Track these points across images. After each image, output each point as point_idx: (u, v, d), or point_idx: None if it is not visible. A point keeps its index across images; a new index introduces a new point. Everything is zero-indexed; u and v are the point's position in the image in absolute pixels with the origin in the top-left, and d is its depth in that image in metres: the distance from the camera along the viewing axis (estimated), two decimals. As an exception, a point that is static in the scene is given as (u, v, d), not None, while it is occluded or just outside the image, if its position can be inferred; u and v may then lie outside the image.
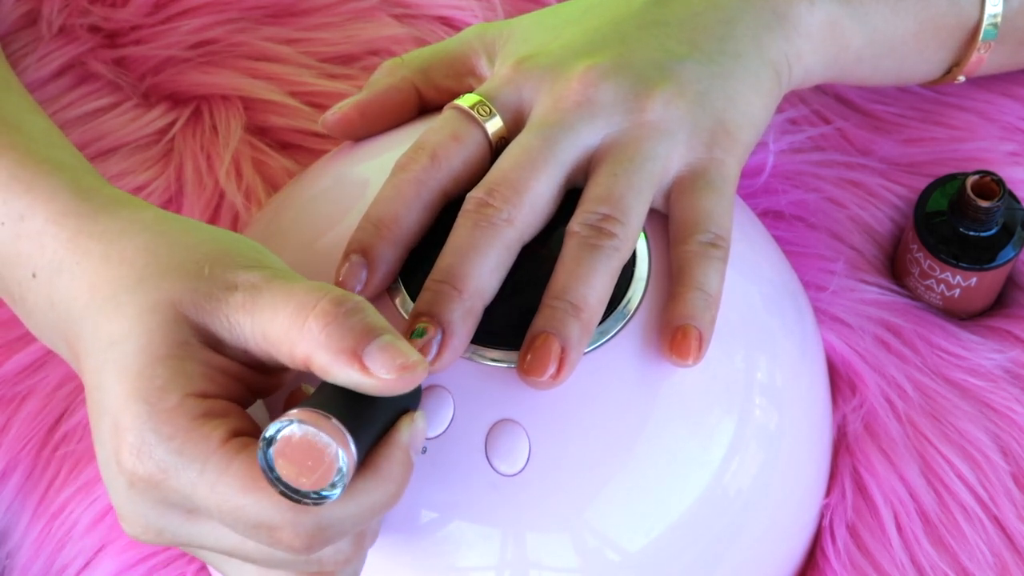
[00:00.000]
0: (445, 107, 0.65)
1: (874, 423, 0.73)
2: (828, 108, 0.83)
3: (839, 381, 0.74)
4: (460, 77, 0.69)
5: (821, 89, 0.83)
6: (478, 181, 0.62)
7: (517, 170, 0.61)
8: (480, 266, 0.60)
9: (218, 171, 0.80)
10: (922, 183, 0.79)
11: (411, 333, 0.58)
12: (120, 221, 0.59)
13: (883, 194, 0.80)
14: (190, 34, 0.84)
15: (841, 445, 0.73)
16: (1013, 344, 0.76)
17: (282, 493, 0.52)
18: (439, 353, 0.58)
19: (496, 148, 0.64)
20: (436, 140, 0.63)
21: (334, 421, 0.52)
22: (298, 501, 0.52)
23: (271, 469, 0.52)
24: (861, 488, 0.72)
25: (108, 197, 0.61)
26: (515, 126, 0.65)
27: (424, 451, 0.59)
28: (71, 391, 0.75)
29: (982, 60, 0.74)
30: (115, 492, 0.56)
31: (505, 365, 0.60)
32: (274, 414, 0.60)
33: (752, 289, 0.67)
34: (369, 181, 0.65)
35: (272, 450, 0.52)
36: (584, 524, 0.61)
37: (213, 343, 0.56)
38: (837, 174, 0.80)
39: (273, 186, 0.80)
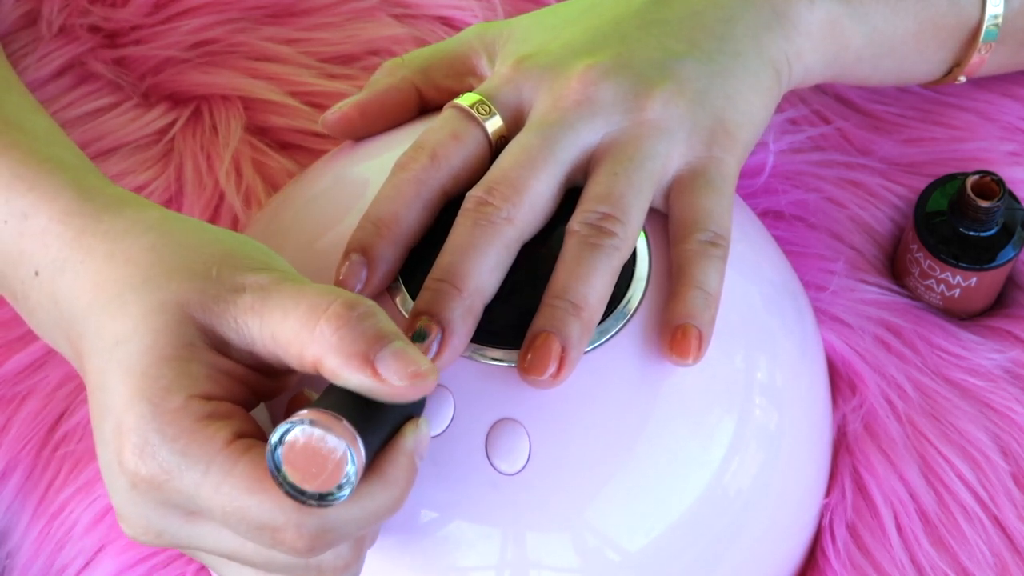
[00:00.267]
0: (445, 106, 0.65)
1: (874, 423, 0.73)
2: (828, 108, 0.83)
3: (839, 381, 0.74)
4: (460, 77, 0.69)
5: (821, 89, 0.83)
6: (478, 180, 0.62)
7: (517, 169, 0.61)
8: (480, 264, 0.60)
9: (218, 171, 0.80)
10: (922, 183, 0.79)
11: (411, 335, 0.58)
12: (124, 220, 0.59)
13: (883, 194, 0.80)
14: (190, 34, 0.84)
15: (841, 445, 0.73)
16: (1013, 344, 0.76)
17: (289, 494, 0.52)
18: (439, 352, 0.58)
19: (496, 147, 0.64)
20: (436, 139, 0.63)
21: (345, 423, 0.52)
22: (305, 502, 0.52)
23: (279, 470, 0.52)
24: (861, 488, 0.72)
25: (112, 196, 0.60)
26: (515, 125, 0.65)
27: None
28: (71, 391, 0.75)
29: (983, 61, 0.74)
30: (116, 493, 0.56)
31: (505, 364, 0.60)
32: (276, 418, 0.60)
33: (752, 289, 0.67)
34: (369, 181, 0.65)
35: (280, 451, 0.52)
36: (584, 523, 0.61)
37: (219, 345, 0.56)
38: (837, 174, 0.80)
39: (273, 186, 0.80)
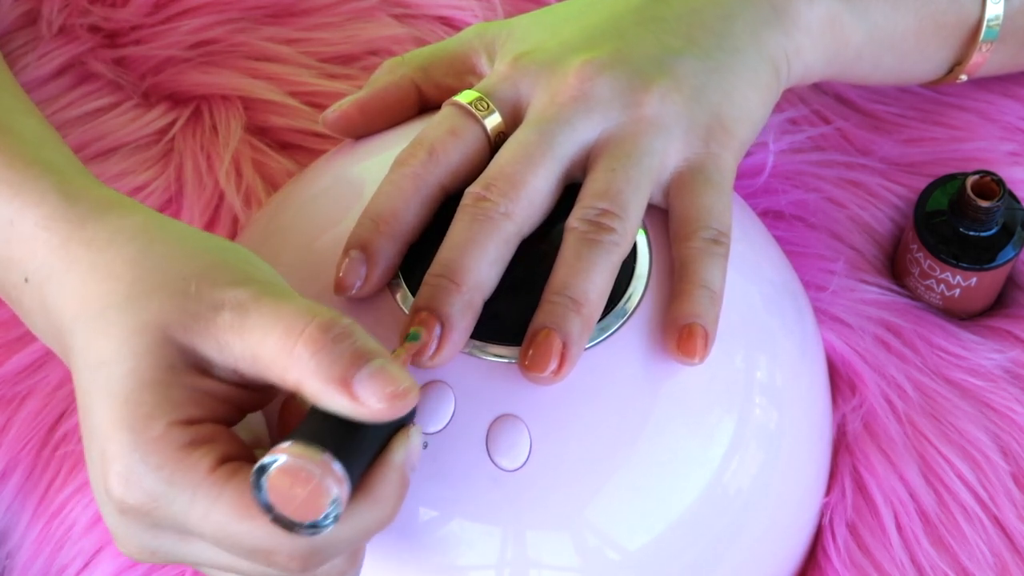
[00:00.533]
0: (444, 104, 0.65)
1: (874, 423, 0.73)
2: (828, 108, 0.83)
3: (839, 381, 0.74)
4: (460, 75, 0.69)
5: (821, 89, 0.83)
6: (477, 177, 0.62)
7: (514, 165, 0.62)
8: (478, 260, 0.60)
9: (218, 171, 0.80)
10: (922, 183, 0.79)
11: (405, 336, 0.58)
12: (108, 228, 0.58)
13: (883, 194, 0.80)
14: (190, 34, 0.84)
15: (841, 445, 0.73)
16: (1013, 344, 0.76)
17: (276, 522, 0.52)
18: (439, 347, 0.58)
19: (495, 144, 0.65)
20: (434, 136, 0.63)
21: (327, 455, 0.51)
22: (292, 531, 0.52)
23: (264, 500, 0.52)
24: (861, 488, 0.72)
25: (96, 200, 0.60)
26: (513, 122, 0.65)
27: (425, 446, 0.59)
28: (71, 391, 0.74)
29: (984, 60, 0.74)
30: (107, 516, 0.56)
31: (506, 361, 0.60)
32: (271, 420, 0.60)
33: (752, 289, 0.67)
34: (369, 179, 0.65)
35: (265, 482, 0.52)
36: (584, 521, 0.61)
37: (202, 364, 0.55)
38: (837, 174, 0.80)
39: (273, 186, 0.80)
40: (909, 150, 0.81)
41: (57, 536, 0.72)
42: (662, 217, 0.64)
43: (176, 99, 0.83)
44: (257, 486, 0.52)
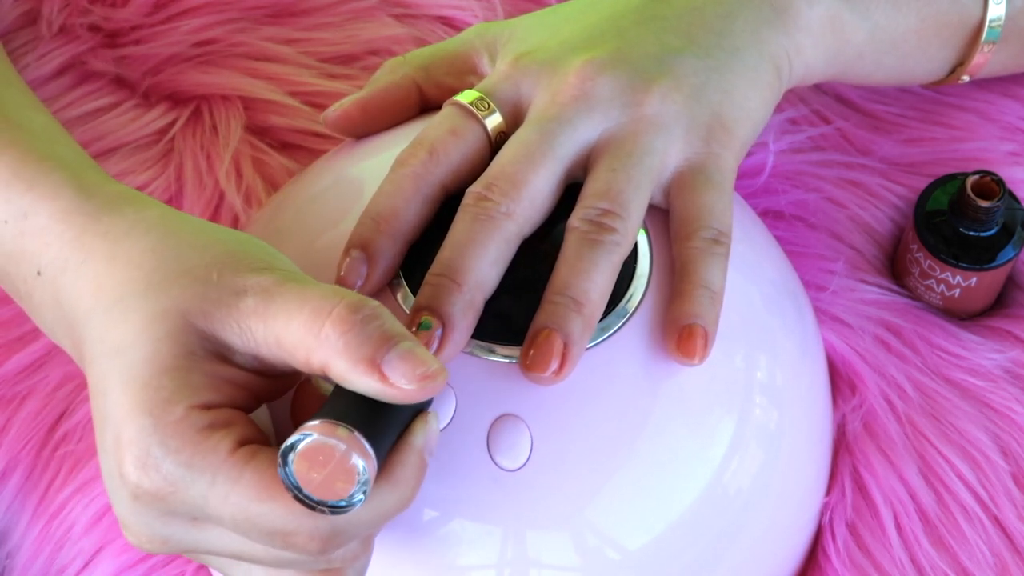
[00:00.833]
0: (445, 103, 0.65)
1: (874, 423, 0.73)
2: (828, 108, 0.83)
3: (839, 381, 0.74)
4: (461, 75, 0.69)
5: (821, 89, 0.83)
6: (478, 177, 0.62)
7: (515, 164, 0.62)
8: (479, 259, 0.60)
9: (218, 171, 0.80)
10: (922, 183, 0.79)
11: (416, 326, 0.58)
12: (125, 220, 0.59)
13: (883, 194, 0.80)
14: (190, 34, 0.84)
15: (841, 445, 0.73)
16: (1013, 344, 0.76)
17: (302, 503, 0.52)
18: (440, 347, 0.58)
19: (496, 143, 0.65)
20: (435, 135, 0.64)
21: (356, 434, 0.52)
22: (319, 510, 0.52)
23: (291, 480, 0.52)
24: (861, 488, 0.72)
25: (112, 194, 0.60)
26: (514, 121, 0.65)
27: None
28: (71, 391, 0.74)
29: (986, 60, 0.74)
30: (118, 503, 0.56)
31: (507, 360, 0.60)
32: (278, 414, 0.60)
33: (752, 289, 0.67)
34: (369, 179, 0.65)
35: (292, 461, 0.52)
36: (585, 521, 0.61)
37: (223, 350, 0.55)
38: (837, 174, 0.80)
39: (273, 186, 0.80)
40: (909, 150, 0.81)
41: (57, 536, 0.72)
42: (663, 217, 0.64)
43: (176, 99, 0.83)
44: (284, 466, 0.52)
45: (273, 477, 0.53)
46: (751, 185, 0.79)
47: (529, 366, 0.59)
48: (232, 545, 0.55)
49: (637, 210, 0.62)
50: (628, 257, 0.62)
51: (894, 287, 0.77)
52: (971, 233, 0.73)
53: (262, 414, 0.60)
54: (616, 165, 0.62)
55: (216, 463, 0.53)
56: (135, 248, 0.57)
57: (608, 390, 0.61)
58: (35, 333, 0.75)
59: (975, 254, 0.74)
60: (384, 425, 0.53)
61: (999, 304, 0.78)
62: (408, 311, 0.60)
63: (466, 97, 0.65)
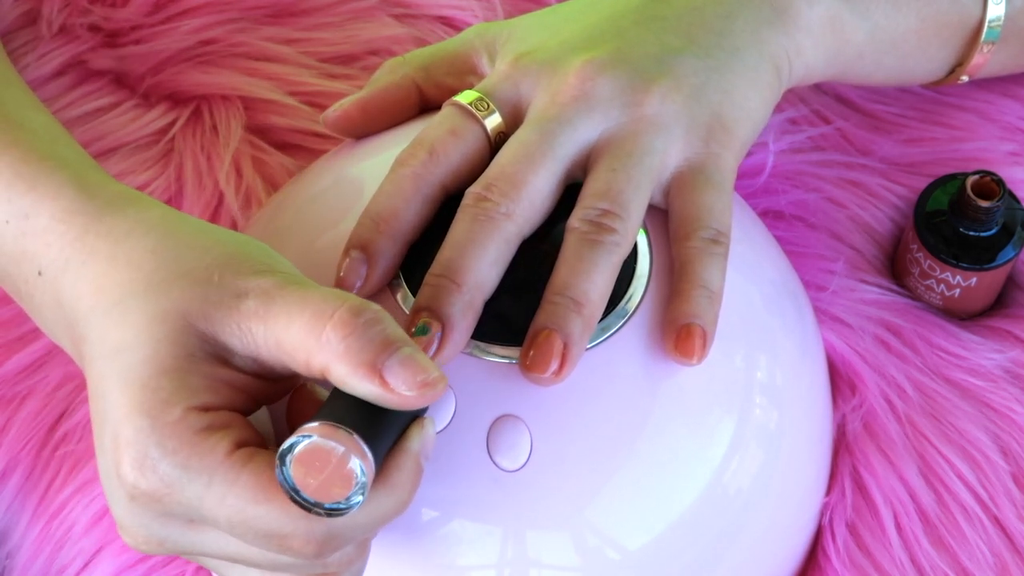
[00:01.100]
0: (444, 104, 0.65)
1: (874, 423, 0.73)
2: (828, 108, 0.83)
3: (839, 381, 0.74)
4: (461, 75, 0.69)
5: (821, 89, 0.83)
6: (478, 177, 0.62)
7: (515, 165, 0.62)
8: (479, 259, 0.60)
9: (218, 171, 0.80)
10: (922, 183, 0.79)
11: (413, 329, 0.58)
12: (127, 220, 0.59)
13: (883, 194, 0.80)
14: (190, 34, 0.84)
15: (841, 445, 0.73)
16: (1013, 344, 0.76)
17: (300, 505, 0.52)
18: (440, 347, 0.58)
19: (495, 144, 0.65)
20: (435, 136, 0.63)
21: (355, 437, 0.52)
22: (316, 512, 0.52)
23: (289, 482, 0.52)
24: (861, 488, 0.72)
25: (113, 194, 0.60)
26: (514, 122, 0.65)
27: None
28: (71, 391, 0.74)
29: (985, 60, 0.74)
30: (115, 503, 0.56)
31: (507, 361, 0.60)
32: (277, 417, 0.60)
33: (752, 289, 0.67)
34: (369, 179, 0.65)
35: (290, 463, 0.52)
36: (585, 521, 0.61)
37: (222, 352, 0.55)
38: (837, 174, 0.80)
39: (273, 186, 0.80)
40: (909, 150, 0.81)
41: (57, 536, 0.72)
42: (662, 217, 0.64)
43: (176, 99, 0.83)
44: (282, 467, 0.52)
45: (270, 479, 0.53)
46: (751, 185, 0.79)
47: (529, 366, 0.59)
48: (228, 547, 0.55)
49: (637, 211, 0.62)
50: (628, 257, 0.62)
51: (894, 287, 0.77)
52: (971, 233, 0.73)
53: (261, 416, 0.60)
54: (616, 165, 0.62)
55: (213, 464, 0.53)
56: (136, 249, 0.57)
57: (608, 390, 0.61)
58: (35, 333, 0.75)
59: (975, 254, 0.74)
60: (382, 429, 0.53)
61: (999, 304, 0.78)
62: (408, 311, 0.60)
63: (466, 97, 0.65)
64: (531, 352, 0.59)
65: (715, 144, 0.65)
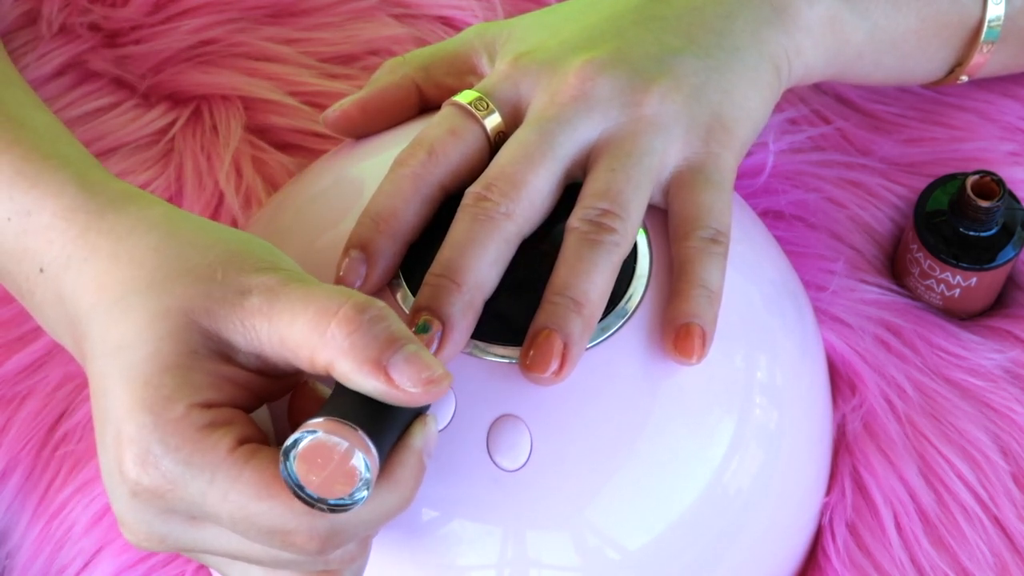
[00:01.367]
0: (444, 104, 0.65)
1: (874, 423, 0.73)
2: (828, 108, 0.83)
3: (839, 381, 0.74)
4: (461, 75, 0.69)
5: (821, 89, 0.83)
6: (477, 177, 0.62)
7: (515, 165, 0.62)
8: (479, 259, 0.60)
9: (218, 171, 0.80)
10: (922, 183, 0.79)
11: (413, 328, 0.58)
12: (129, 218, 0.59)
13: (883, 194, 0.80)
14: (190, 34, 0.84)
15: (841, 445, 0.73)
16: (1013, 344, 0.76)
17: (304, 501, 0.52)
18: (440, 347, 0.58)
19: (495, 144, 0.65)
20: (434, 135, 0.64)
21: (360, 432, 0.52)
22: (319, 508, 0.52)
23: (293, 477, 0.52)
24: (861, 488, 0.72)
25: (116, 192, 0.60)
26: (513, 122, 0.65)
27: None
28: (71, 391, 0.74)
29: (985, 60, 0.74)
30: (117, 500, 0.56)
31: (507, 361, 0.60)
32: (277, 414, 0.60)
33: (752, 289, 0.67)
34: (369, 179, 0.65)
35: (294, 459, 0.52)
36: (585, 521, 0.61)
37: (225, 349, 0.55)
38: (837, 174, 0.80)
39: (273, 186, 0.80)
40: (909, 150, 0.81)
41: (57, 536, 0.72)
42: (662, 217, 0.64)
43: (176, 99, 0.83)
44: (286, 463, 0.52)
45: (273, 476, 0.53)
46: (751, 185, 0.79)
47: (529, 366, 0.59)
48: (230, 545, 0.55)
49: (637, 210, 0.62)
50: (628, 257, 0.62)
51: (894, 287, 0.77)
52: (971, 233, 0.73)
53: (261, 414, 0.60)
54: (615, 165, 0.62)
55: (215, 461, 0.53)
56: (138, 246, 0.57)
57: (608, 390, 0.61)
58: (35, 333, 0.75)
59: (975, 254, 0.74)
60: (385, 426, 0.53)
61: (999, 304, 0.78)
62: (408, 311, 0.60)
63: (465, 97, 0.65)
64: (531, 352, 0.59)
65: (715, 144, 0.65)
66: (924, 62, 0.74)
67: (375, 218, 0.62)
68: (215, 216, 0.79)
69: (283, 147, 0.82)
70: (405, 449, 0.55)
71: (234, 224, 0.78)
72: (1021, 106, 0.81)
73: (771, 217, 0.78)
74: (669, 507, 0.62)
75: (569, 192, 0.63)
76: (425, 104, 0.70)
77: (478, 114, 0.64)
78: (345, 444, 0.52)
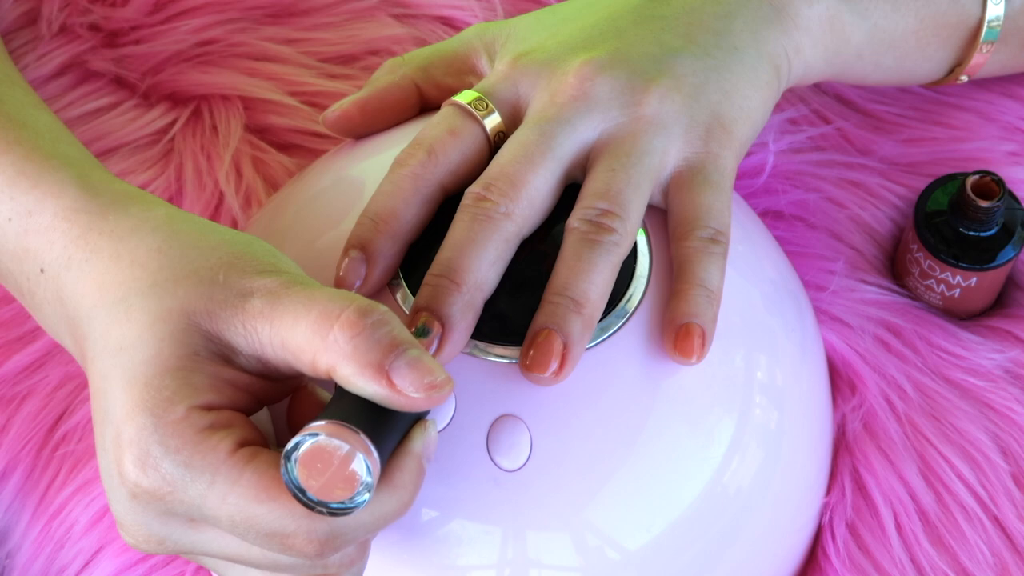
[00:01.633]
0: (443, 104, 0.65)
1: (874, 423, 0.73)
2: (828, 108, 0.83)
3: (839, 381, 0.74)
4: (461, 75, 0.69)
5: (821, 89, 0.83)
6: (477, 177, 0.62)
7: (514, 164, 0.62)
8: (478, 259, 0.60)
9: (218, 171, 0.80)
10: (922, 183, 0.79)
11: (412, 331, 0.58)
12: (131, 219, 0.59)
13: (883, 194, 0.80)
14: (190, 34, 0.84)
15: (841, 445, 0.73)
16: (1013, 344, 0.76)
17: (304, 504, 0.52)
18: (439, 348, 0.59)
19: (495, 144, 0.65)
20: (434, 135, 0.64)
21: (361, 436, 0.52)
22: (319, 511, 0.52)
23: (294, 480, 0.52)
24: (861, 488, 0.72)
25: (117, 192, 0.60)
26: (513, 122, 0.65)
27: None
28: (71, 391, 0.75)
29: (984, 60, 0.74)
30: (116, 502, 0.56)
31: (507, 361, 0.60)
32: (277, 417, 0.60)
33: (752, 289, 0.67)
34: (369, 179, 0.65)
35: (295, 461, 0.52)
36: (585, 521, 0.61)
37: (226, 352, 0.55)
38: (837, 174, 0.80)
39: (273, 186, 0.80)
40: (909, 150, 0.81)
41: (57, 536, 0.72)
42: (662, 217, 0.64)
43: (176, 99, 0.83)
44: (287, 466, 0.52)
45: (273, 478, 0.53)
46: (751, 185, 0.79)
47: (529, 366, 0.59)
48: (229, 547, 0.55)
49: (636, 210, 0.62)
50: (628, 257, 0.62)
51: (894, 287, 0.77)
52: (971, 233, 0.73)
53: (261, 417, 0.60)
54: (615, 165, 0.62)
55: (215, 463, 0.53)
56: (140, 247, 0.57)
57: (608, 390, 0.61)
58: (35, 333, 0.75)
59: (975, 254, 0.74)
60: (386, 430, 0.53)
61: (999, 304, 0.78)
62: (407, 311, 0.61)
63: (465, 97, 0.65)
64: (531, 352, 0.59)
65: (714, 144, 0.65)
66: (923, 62, 0.74)
67: (375, 218, 0.62)
68: (215, 216, 0.79)
69: (283, 147, 0.82)
70: (405, 453, 0.55)
71: (234, 224, 0.78)
72: (1021, 106, 0.81)
73: (771, 217, 0.78)
74: (669, 507, 0.62)
75: (569, 192, 0.63)
76: (425, 104, 0.70)
77: (478, 114, 0.64)
78: (346, 448, 0.52)
